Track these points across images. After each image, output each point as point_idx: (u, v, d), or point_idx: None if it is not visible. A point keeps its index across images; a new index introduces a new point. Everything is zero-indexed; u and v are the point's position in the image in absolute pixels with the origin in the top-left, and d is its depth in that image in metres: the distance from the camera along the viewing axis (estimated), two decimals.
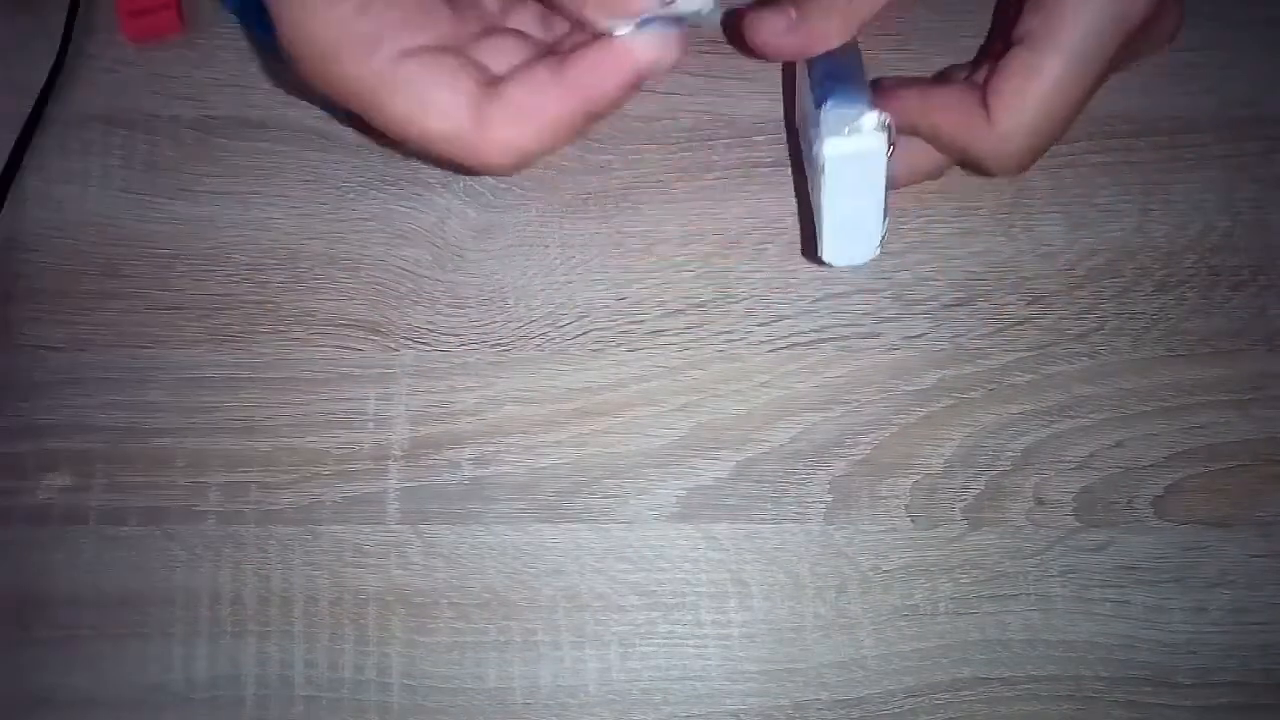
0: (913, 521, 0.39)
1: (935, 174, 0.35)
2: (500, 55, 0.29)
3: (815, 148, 0.32)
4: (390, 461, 0.40)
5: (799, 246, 0.41)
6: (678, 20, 0.28)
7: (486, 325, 0.41)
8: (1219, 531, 0.39)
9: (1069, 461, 0.40)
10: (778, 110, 0.42)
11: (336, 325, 0.40)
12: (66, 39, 0.41)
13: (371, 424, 0.40)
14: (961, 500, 0.39)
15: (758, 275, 0.41)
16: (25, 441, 0.39)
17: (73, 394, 0.40)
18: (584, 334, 0.41)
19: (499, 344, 0.40)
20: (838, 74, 0.32)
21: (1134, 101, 0.42)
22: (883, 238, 0.33)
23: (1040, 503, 0.39)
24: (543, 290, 0.41)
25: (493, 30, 0.30)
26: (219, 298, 0.41)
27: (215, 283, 0.41)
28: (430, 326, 0.41)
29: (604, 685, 0.38)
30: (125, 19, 0.42)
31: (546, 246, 0.41)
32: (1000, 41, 0.33)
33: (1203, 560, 0.39)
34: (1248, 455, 0.40)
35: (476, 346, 0.40)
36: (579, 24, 0.29)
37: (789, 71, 0.40)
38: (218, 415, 0.40)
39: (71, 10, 0.42)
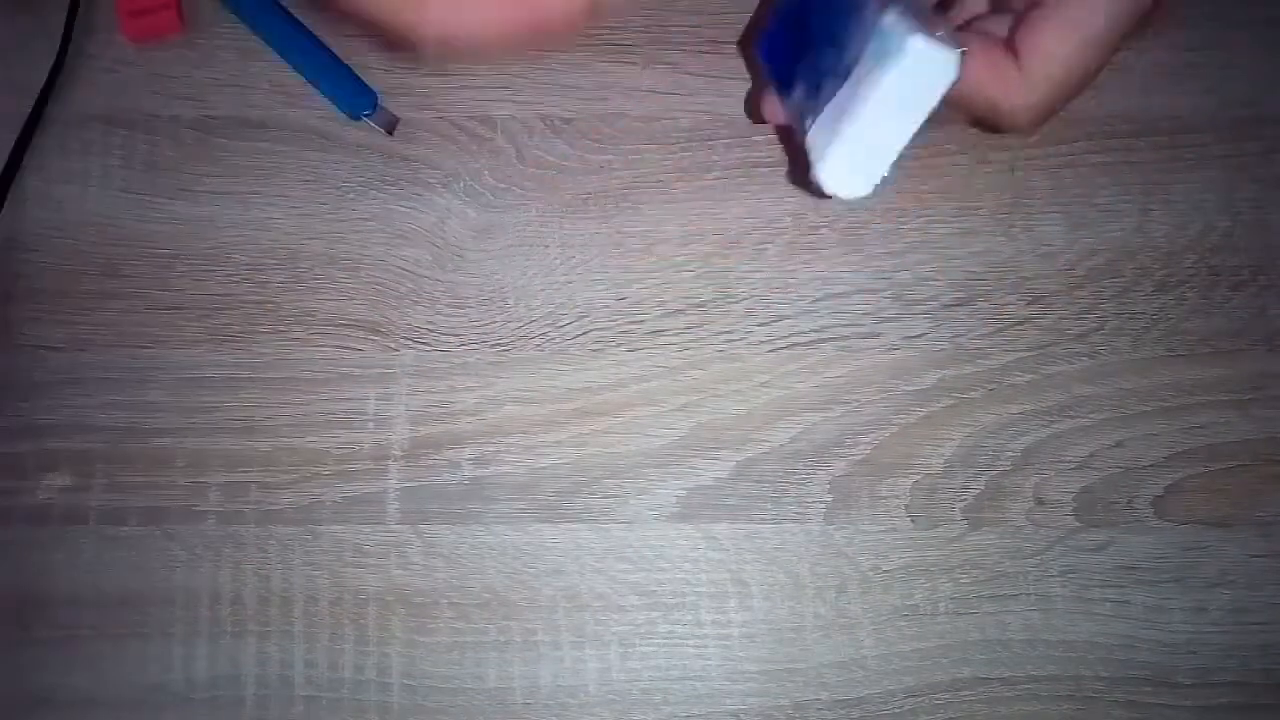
0: (913, 521, 0.39)
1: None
2: None
3: (891, 40, 0.29)
4: (390, 461, 0.40)
5: (799, 246, 0.41)
6: None
7: (486, 325, 0.41)
8: (1219, 531, 0.39)
9: (1069, 461, 0.40)
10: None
11: (336, 325, 0.40)
12: (66, 39, 0.41)
13: (371, 424, 0.40)
14: (961, 500, 0.39)
15: (758, 275, 0.41)
16: (25, 441, 0.39)
17: (73, 394, 0.40)
18: (584, 334, 0.41)
19: (499, 344, 0.40)
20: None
21: (1134, 101, 0.42)
22: (884, 178, 0.32)
23: (1040, 503, 0.39)
24: (543, 290, 0.41)
25: None
26: (219, 298, 0.41)
27: (215, 283, 0.41)
28: (430, 326, 0.41)
29: (604, 685, 0.38)
30: (125, 19, 0.42)
31: (546, 246, 0.41)
32: None
33: (1203, 560, 0.39)
34: (1248, 455, 0.40)
35: (476, 346, 0.40)
36: None
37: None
38: (218, 415, 0.40)
39: (71, 10, 0.42)
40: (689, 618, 0.39)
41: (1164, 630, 0.39)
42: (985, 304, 0.41)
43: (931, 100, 0.30)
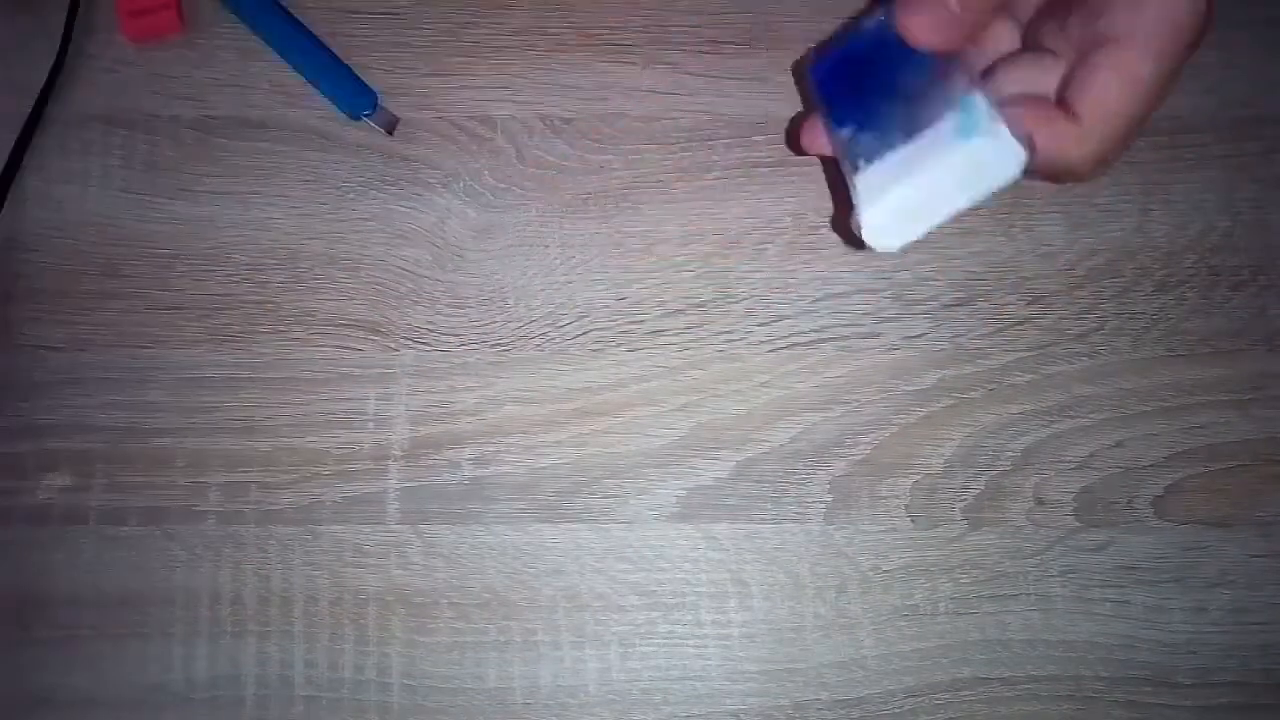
0: (913, 521, 0.39)
1: None
2: None
3: (979, 120, 0.30)
4: (390, 461, 0.40)
5: (799, 246, 0.41)
6: None
7: (486, 325, 0.41)
8: (1219, 531, 0.39)
9: (1069, 461, 0.40)
10: (778, 110, 0.42)
11: (336, 325, 0.40)
12: (66, 39, 0.41)
13: (371, 424, 0.40)
14: (961, 500, 0.39)
15: (758, 275, 0.41)
16: (25, 441, 0.39)
17: (73, 394, 0.40)
18: (584, 334, 0.41)
19: (499, 344, 0.40)
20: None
21: None
22: (915, 241, 0.32)
23: (1040, 503, 0.39)
24: (543, 290, 0.41)
25: None
26: (219, 298, 0.41)
27: (215, 283, 0.41)
28: (430, 326, 0.41)
29: (604, 685, 0.38)
30: (125, 19, 0.42)
31: (546, 246, 0.41)
32: (1056, 41, 0.32)
33: (1203, 560, 0.39)
34: (1248, 455, 0.40)
35: (476, 346, 0.40)
36: None
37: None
38: (218, 415, 0.40)
39: (71, 10, 0.42)
40: (689, 618, 0.39)
41: (1164, 630, 0.39)
42: (985, 304, 0.41)
43: (990, 187, 0.31)
